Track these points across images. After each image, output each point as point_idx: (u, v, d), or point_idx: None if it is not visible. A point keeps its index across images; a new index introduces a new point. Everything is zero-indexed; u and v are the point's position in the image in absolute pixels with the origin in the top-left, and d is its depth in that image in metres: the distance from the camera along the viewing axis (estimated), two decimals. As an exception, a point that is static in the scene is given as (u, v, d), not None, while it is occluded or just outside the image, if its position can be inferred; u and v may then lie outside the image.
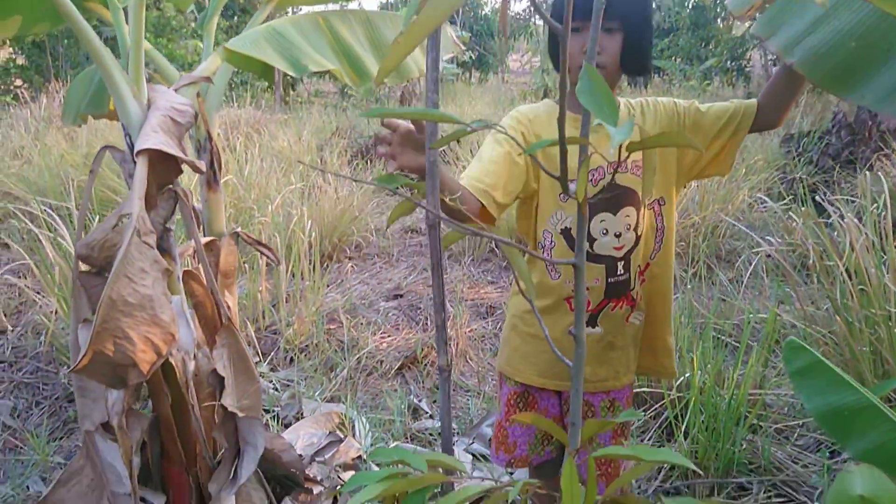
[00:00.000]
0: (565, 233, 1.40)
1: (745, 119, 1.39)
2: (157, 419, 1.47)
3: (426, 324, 3.47)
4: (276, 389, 2.78)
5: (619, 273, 1.40)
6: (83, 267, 1.37)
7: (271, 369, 3.00)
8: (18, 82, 10.93)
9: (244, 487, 1.59)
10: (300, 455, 1.80)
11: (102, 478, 1.45)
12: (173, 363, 1.36)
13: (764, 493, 2.00)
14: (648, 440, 2.27)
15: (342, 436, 1.90)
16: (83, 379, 1.41)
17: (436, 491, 0.80)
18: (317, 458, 1.82)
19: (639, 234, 1.40)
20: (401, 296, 3.85)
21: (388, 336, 3.32)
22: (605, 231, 1.38)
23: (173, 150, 1.29)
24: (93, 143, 5.02)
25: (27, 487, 2.27)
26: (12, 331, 3.24)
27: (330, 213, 4.25)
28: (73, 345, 1.37)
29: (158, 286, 1.28)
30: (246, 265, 3.51)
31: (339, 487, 1.72)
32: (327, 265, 4.09)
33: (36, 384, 2.88)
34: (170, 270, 1.35)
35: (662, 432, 2.31)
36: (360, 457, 1.85)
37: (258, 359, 3.04)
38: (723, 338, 2.81)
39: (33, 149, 5.04)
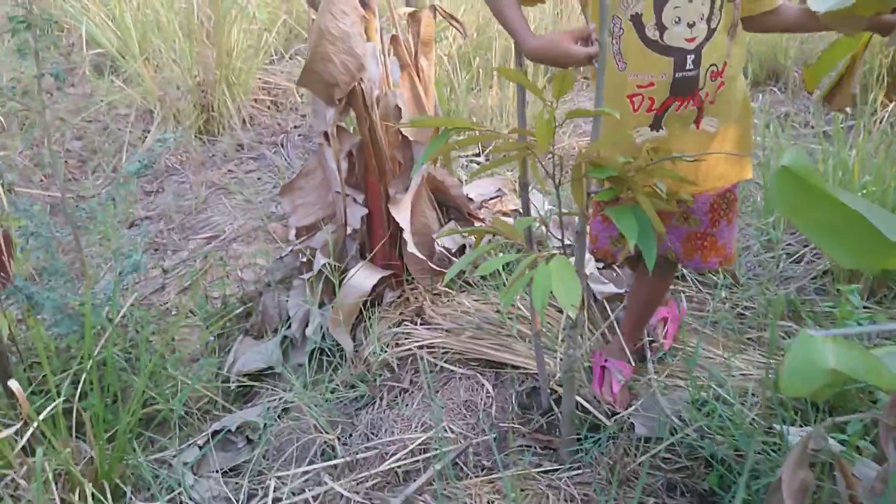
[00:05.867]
0: (635, 19, 1.29)
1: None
2: (362, 141, 2.03)
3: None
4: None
5: (687, 67, 1.30)
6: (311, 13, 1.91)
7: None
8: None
9: (420, 206, 2.11)
10: (471, 198, 2.27)
11: (329, 180, 2.08)
12: (363, 89, 1.86)
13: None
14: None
15: (507, 192, 2.31)
16: (316, 102, 2.00)
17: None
18: (485, 205, 2.27)
19: (712, 26, 1.29)
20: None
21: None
22: (677, 19, 1.27)
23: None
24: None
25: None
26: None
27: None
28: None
29: (356, 27, 1.76)
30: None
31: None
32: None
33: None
34: (367, 19, 1.83)
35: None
36: (516, 210, 2.26)
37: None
38: None
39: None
